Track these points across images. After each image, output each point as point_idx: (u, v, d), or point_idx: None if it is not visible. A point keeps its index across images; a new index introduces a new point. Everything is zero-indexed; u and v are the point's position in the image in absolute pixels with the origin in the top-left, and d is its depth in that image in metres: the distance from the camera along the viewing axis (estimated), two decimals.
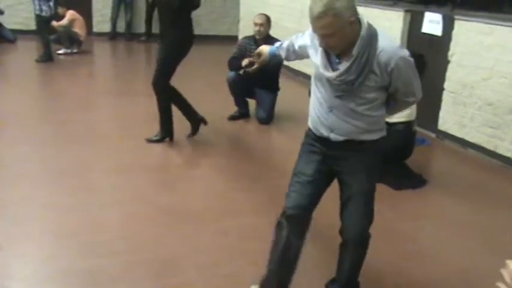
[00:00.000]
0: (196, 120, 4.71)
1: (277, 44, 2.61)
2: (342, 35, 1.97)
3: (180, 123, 4.87)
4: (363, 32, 2.02)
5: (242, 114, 5.55)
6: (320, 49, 2.11)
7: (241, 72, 5.10)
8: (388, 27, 5.78)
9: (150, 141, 4.54)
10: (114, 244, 2.91)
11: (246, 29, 9.35)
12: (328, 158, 2.24)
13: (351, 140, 2.19)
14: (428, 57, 5.26)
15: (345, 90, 2.09)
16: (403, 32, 5.66)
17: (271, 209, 3.39)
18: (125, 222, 3.19)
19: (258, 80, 5.23)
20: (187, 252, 2.85)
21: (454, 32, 5.00)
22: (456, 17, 4.99)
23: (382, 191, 3.88)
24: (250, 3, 9.58)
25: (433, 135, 5.31)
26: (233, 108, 5.54)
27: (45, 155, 4.20)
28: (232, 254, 2.85)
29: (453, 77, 5.05)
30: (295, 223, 2.23)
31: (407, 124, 4.00)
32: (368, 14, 6.09)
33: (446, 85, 5.13)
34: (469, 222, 3.51)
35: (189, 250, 2.87)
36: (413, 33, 5.62)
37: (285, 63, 5.39)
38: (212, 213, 3.35)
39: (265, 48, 2.61)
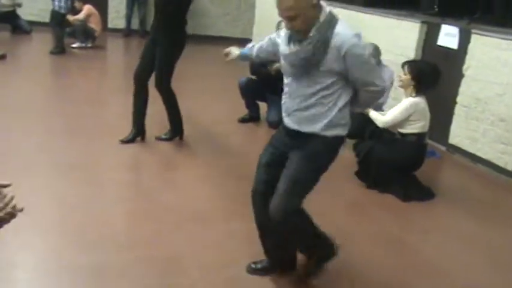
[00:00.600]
0: (177, 130, 4.63)
1: (248, 45, 2.77)
2: (304, 17, 2.15)
3: (189, 123, 4.88)
4: (323, 16, 2.18)
5: (252, 117, 5.54)
6: (283, 34, 2.33)
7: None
8: (403, 38, 5.76)
9: (159, 139, 4.54)
10: (119, 240, 2.91)
11: (260, 32, 9.35)
12: (284, 147, 2.45)
13: (302, 132, 2.35)
14: (443, 70, 5.25)
15: (300, 69, 2.25)
16: (418, 43, 5.62)
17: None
18: (130, 218, 3.19)
19: (269, 85, 5.23)
20: (192, 252, 2.84)
21: (470, 46, 4.97)
22: (473, 31, 4.96)
23: (389, 201, 3.88)
24: (264, 7, 9.58)
25: (443, 148, 5.27)
26: (244, 111, 5.54)
27: (55, 147, 4.22)
28: (237, 257, 2.84)
29: (467, 91, 5.01)
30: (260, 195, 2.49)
31: (419, 136, 3.97)
32: (384, 24, 6.11)
33: (459, 99, 5.09)
34: (475, 237, 3.47)
35: (193, 250, 2.86)
36: (428, 45, 5.58)
37: None
38: (219, 214, 3.34)
39: (234, 49, 2.78)
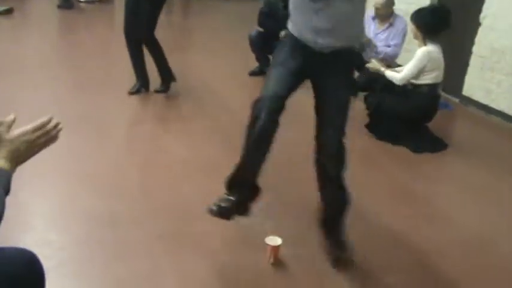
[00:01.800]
0: (168, 78, 4.62)
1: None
2: None
3: (199, 76, 4.83)
4: None
5: (263, 70, 5.47)
6: None
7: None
8: None
9: (157, 91, 4.55)
10: (133, 189, 2.96)
11: None
12: (309, 63, 2.25)
13: (334, 48, 2.21)
14: (459, 19, 5.09)
15: None
16: None
17: (287, 164, 3.41)
18: (142, 169, 3.23)
19: (279, 38, 5.13)
20: (202, 201, 2.86)
21: None
22: None
23: (400, 153, 3.87)
24: None
25: (456, 100, 5.20)
26: (254, 64, 5.47)
27: (65, 101, 4.23)
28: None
29: (483, 41, 4.88)
30: (273, 110, 2.18)
31: (433, 87, 3.90)
32: None
33: (475, 49, 4.97)
34: (487, 187, 3.47)
35: (204, 199, 2.88)
36: None
37: None
38: (229, 165, 3.36)
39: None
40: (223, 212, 2.31)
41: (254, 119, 2.20)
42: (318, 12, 2.16)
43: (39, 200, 2.81)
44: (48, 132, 1.43)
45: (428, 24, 3.77)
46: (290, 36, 2.32)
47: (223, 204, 2.31)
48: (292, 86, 2.25)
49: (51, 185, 2.97)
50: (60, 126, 1.46)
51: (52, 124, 1.44)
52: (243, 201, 2.38)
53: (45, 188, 2.93)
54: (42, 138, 1.43)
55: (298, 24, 2.27)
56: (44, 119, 1.42)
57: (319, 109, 2.33)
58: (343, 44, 2.25)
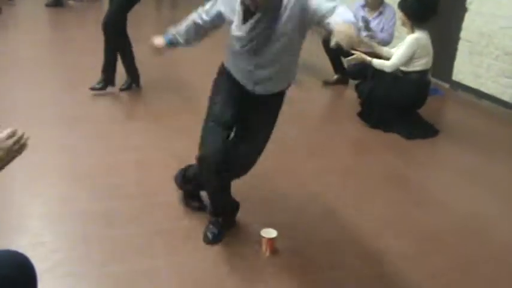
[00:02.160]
0: (135, 76, 4.57)
1: (169, 32, 2.50)
2: None
3: (185, 70, 4.82)
4: None
5: None
6: (237, 9, 2.17)
7: None
8: None
9: (122, 89, 4.48)
10: (129, 187, 2.98)
11: None
12: (244, 102, 2.36)
13: (271, 92, 2.34)
14: (446, 5, 5.12)
15: (263, 34, 2.12)
16: None
17: (283, 155, 3.44)
18: (139, 166, 3.25)
19: None
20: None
21: None
22: None
23: (393, 139, 3.91)
24: None
25: (446, 85, 5.24)
26: None
27: (59, 100, 4.23)
28: (245, 198, 2.90)
29: (471, 26, 4.91)
30: (217, 166, 2.31)
31: (422, 73, 3.94)
32: None
33: (462, 34, 5.01)
34: (479, 171, 3.52)
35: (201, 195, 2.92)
36: None
37: None
38: None
39: (158, 40, 2.50)
40: (217, 237, 2.53)
41: (205, 179, 2.45)
42: (259, 64, 2.23)
43: (33, 201, 2.82)
44: (19, 139, 1.50)
45: (416, 12, 3.80)
46: (228, 73, 2.40)
47: (215, 231, 2.54)
48: (228, 133, 2.37)
49: (45, 185, 2.98)
50: (26, 135, 1.52)
51: (20, 132, 1.51)
52: (228, 218, 2.62)
53: (39, 188, 2.94)
54: (16, 145, 1.49)
55: (236, 67, 2.34)
56: (10, 129, 1.49)
57: (241, 130, 2.43)
58: (280, 88, 2.37)
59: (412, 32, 3.86)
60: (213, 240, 2.51)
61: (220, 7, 2.31)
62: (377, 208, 2.94)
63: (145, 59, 4.39)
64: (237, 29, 2.18)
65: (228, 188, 2.54)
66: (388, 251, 2.54)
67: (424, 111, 4.16)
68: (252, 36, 2.15)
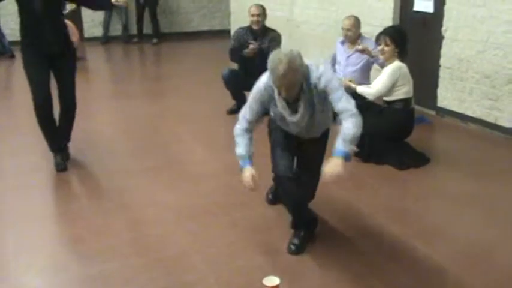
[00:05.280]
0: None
1: (240, 153, 2.78)
2: (299, 84, 2.48)
3: (179, 121, 4.83)
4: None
5: (240, 107, 5.48)
6: (279, 99, 2.58)
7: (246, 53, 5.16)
8: (380, 8, 5.76)
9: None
10: (122, 248, 2.91)
11: (237, 22, 9.30)
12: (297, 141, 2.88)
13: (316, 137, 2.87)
14: (422, 35, 5.26)
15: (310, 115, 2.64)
16: (395, 12, 5.63)
17: (278, 201, 3.41)
18: (131, 225, 3.18)
19: (253, 73, 5.20)
20: (197, 248, 2.85)
21: (446, 7, 4.98)
22: None
23: (386, 171, 3.91)
24: None
25: (432, 112, 5.30)
26: (231, 102, 5.53)
27: (48, 166, 4.20)
28: (242, 247, 2.86)
29: (449, 53, 5.03)
30: (289, 178, 2.74)
31: (406, 101, 3.99)
32: None
33: (442, 61, 5.11)
34: (473, 196, 3.51)
35: (198, 246, 2.87)
36: (405, 12, 5.59)
37: None
38: (220, 207, 3.36)
39: (248, 174, 2.69)
40: (299, 248, 2.80)
41: (283, 195, 2.97)
42: (305, 127, 2.72)
43: (27, 271, 2.74)
44: None
45: (407, 41, 3.91)
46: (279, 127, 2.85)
47: (296, 242, 2.81)
48: (292, 158, 2.85)
49: (38, 252, 2.91)
50: None
51: None
52: (309, 232, 2.91)
53: (33, 257, 2.87)
54: None
55: (283, 127, 2.81)
56: None
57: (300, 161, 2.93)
58: (322, 132, 2.88)
59: (392, 61, 3.94)
60: (295, 251, 2.77)
61: (257, 106, 2.70)
62: (375, 243, 2.91)
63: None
64: (288, 115, 2.61)
65: (304, 204, 2.86)
66: (394, 284, 2.48)
67: (413, 140, 4.19)
68: (304, 119, 2.63)
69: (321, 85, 2.53)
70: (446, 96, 5.14)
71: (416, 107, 4.30)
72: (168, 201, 3.47)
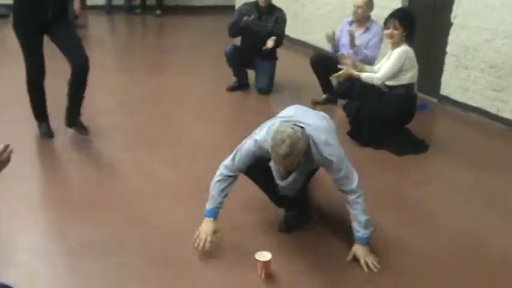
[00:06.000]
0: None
1: (211, 210, 2.62)
2: (299, 160, 2.41)
3: (178, 96, 4.78)
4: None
5: (241, 85, 5.48)
6: (273, 163, 2.52)
7: (242, 22, 5.05)
8: None
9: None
10: (119, 219, 2.91)
11: None
12: None
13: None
14: (431, 20, 5.17)
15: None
16: None
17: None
18: (129, 196, 3.18)
19: (257, 49, 5.15)
20: (194, 225, 2.83)
21: None
22: None
23: (385, 157, 3.88)
24: None
25: (435, 100, 5.25)
26: (232, 79, 5.47)
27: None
28: (237, 224, 2.84)
29: (456, 40, 4.95)
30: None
31: (409, 87, 3.94)
32: None
33: (448, 48, 5.04)
34: (472, 186, 3.49)
35: (195, 223, 2.84)
36: None
37: (287, 32, 5.33)
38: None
39: (204, 232, 2.58)
40: (290, 228, 2.80)
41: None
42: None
43: (23, 232, 2.74)
44: (4, 151, 1.75)
45: (413, 22, 3.84)
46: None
47: (287, 221, 2.81)
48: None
49: (36, 217, 2.91)
50: (10, 147, 1.77)
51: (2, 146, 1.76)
52: (300, 212, 2.89)
53: (29, 219, 2.87)
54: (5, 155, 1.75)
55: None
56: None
57: None
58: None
59: (400, 45, 3.86)
60: (286, 229, 2.77)
61: (250, 160, 2.57)
62: (375, 228, 2.89)
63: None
64: (278, 178, 2.56)
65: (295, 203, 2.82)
66: (388, 270, 2.48)
67: (413, 127, 4.15)
68: (292, 183, 2.57)
69: (320, 164, 2.52)
70: (450, 85, 5.08)
71: (419, 94, 4.25)
72: (167, 177, 3.45)
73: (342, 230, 2.81)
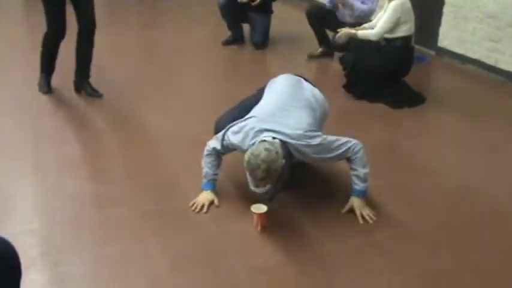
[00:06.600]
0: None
1: (207, 172, 2.63)
2: (278, 175, 2.30)
3: (172, 50, 4.73)
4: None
5: (236, 38, 5.39)
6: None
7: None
8: None
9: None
10: (114, 170, 2.94)
11: None
12: None
13: None
14: None
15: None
16: None
17: None
18: (124, 149, 3.20)
19: (249, 5, 5.06)
20: (189, 175, 2.85)
21: None
22: None
23: (380, 109, 3.87)
24: None
25: (432, 52, 5.19)
26: (227, 33, 5.38)
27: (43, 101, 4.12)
28: (232, 176, 2.87)
29: None
30: None
31: (406, 39, 3.89)
32: None
33: None
34: (468, 137, 3.50)
35: (190, 173, 2.87)
36: None
37: None
38: (210, 137, 3.33)
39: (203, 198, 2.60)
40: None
41: None
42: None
43: (20, 187, 2.77)
44: None
45: None
46: None
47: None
48: None
49: (32, 171, 2.93)
50: None
51: None
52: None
53: (26, 173, 2.89)
54: None
55: None
56: None
57: None
58: None
59: None
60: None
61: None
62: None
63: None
64: (253, 185, 2.34)
65: None
66: (381, 220, 2.52)
67: (410, 80, 4.12)
68: (267, 193, 2.37)
69: (309, 160, 2.51)
70: (448, 36, 5.01)
71: (416, 47, 4.19)
72: (162, 128, 3.46)
73: (338, 183, 2.83)
